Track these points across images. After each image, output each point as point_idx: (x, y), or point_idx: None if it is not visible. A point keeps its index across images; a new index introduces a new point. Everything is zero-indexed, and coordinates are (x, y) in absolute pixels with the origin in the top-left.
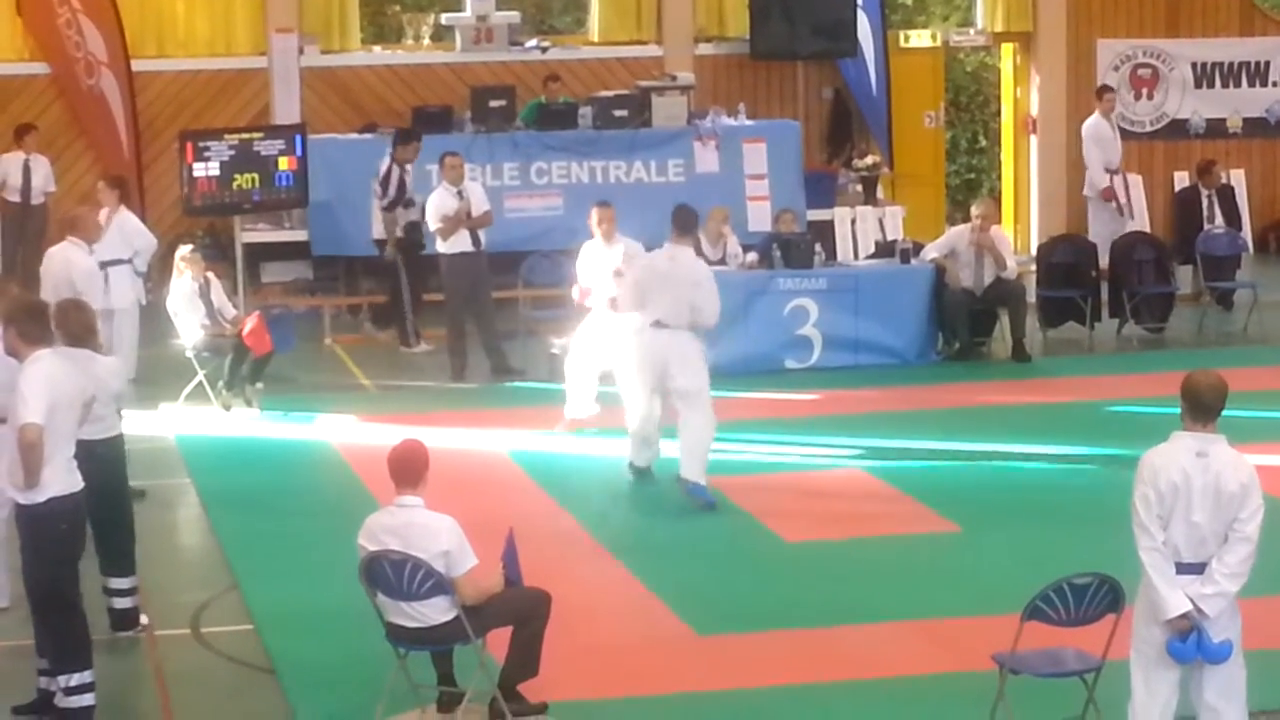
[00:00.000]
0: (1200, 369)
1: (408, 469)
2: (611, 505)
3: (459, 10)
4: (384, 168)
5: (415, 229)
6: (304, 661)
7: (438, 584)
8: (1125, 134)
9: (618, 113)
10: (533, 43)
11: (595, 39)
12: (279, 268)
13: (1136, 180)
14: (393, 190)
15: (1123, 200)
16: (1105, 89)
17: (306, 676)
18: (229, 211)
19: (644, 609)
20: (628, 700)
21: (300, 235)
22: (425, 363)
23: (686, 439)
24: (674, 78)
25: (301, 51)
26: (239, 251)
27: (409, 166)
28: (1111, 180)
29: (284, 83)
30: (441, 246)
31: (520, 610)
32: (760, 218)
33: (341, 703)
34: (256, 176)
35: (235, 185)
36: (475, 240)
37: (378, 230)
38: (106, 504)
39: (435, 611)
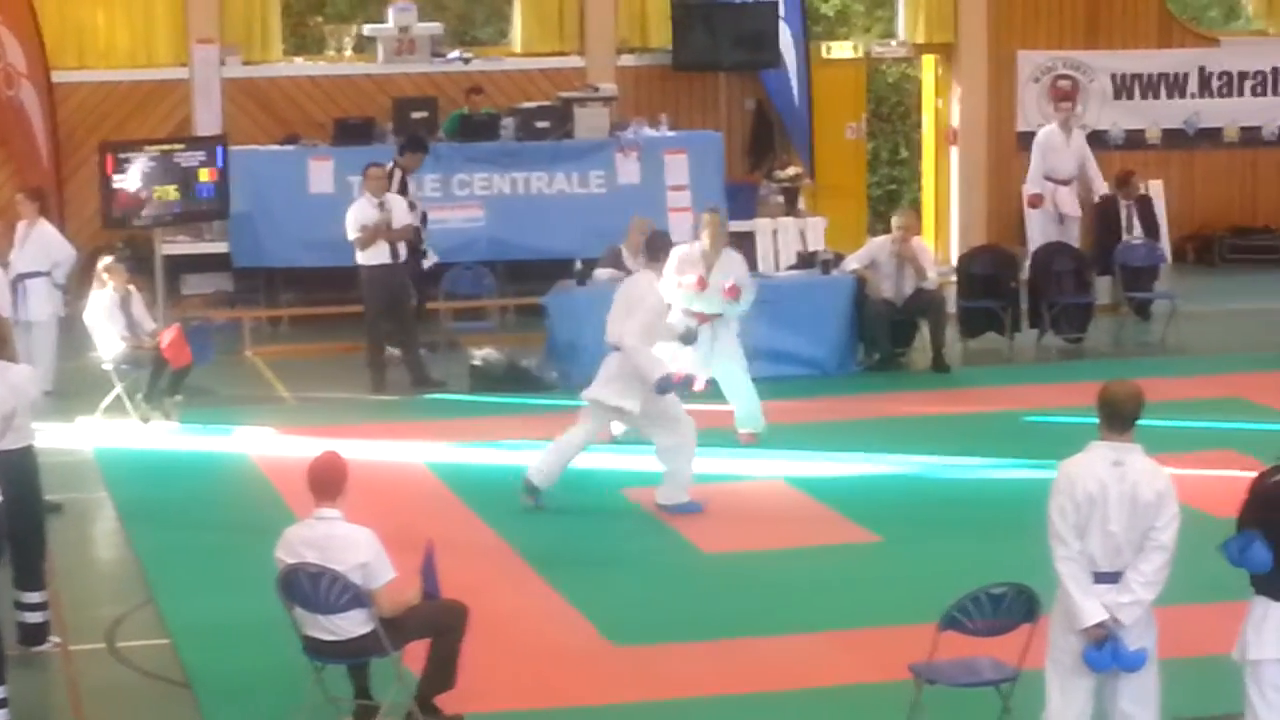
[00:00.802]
0: (1116, 379)
1: (326, 481)
2: (530, 517)
3: (381, 22)
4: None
5: (416, 235)
6: (220, 675)
7: (355, 596)
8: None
9: (540, 124)
10: (455, 54)
11: (518, 50)
12: (199, 280)
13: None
14: None
15: (1063, 210)
16: (1061, 98)
17: (223, 690)
18: (149, 224)
19: (562, 620)
20: (545, 712)
21: (221, 247)
22: (344, 375)
23: (663, 464)
24: (596, 89)
25: (223, 62)
26: (159, 264)
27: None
28: (1056, 190)
29: (205, 94)
30: (360, 258)
31: (438, 622)
32: (682, 229)
33: (257, 716)
34: (177, 188)
35: (155, 197)
36: (394, 252)
37: None
38: (19, 515)
39: (353, 624)
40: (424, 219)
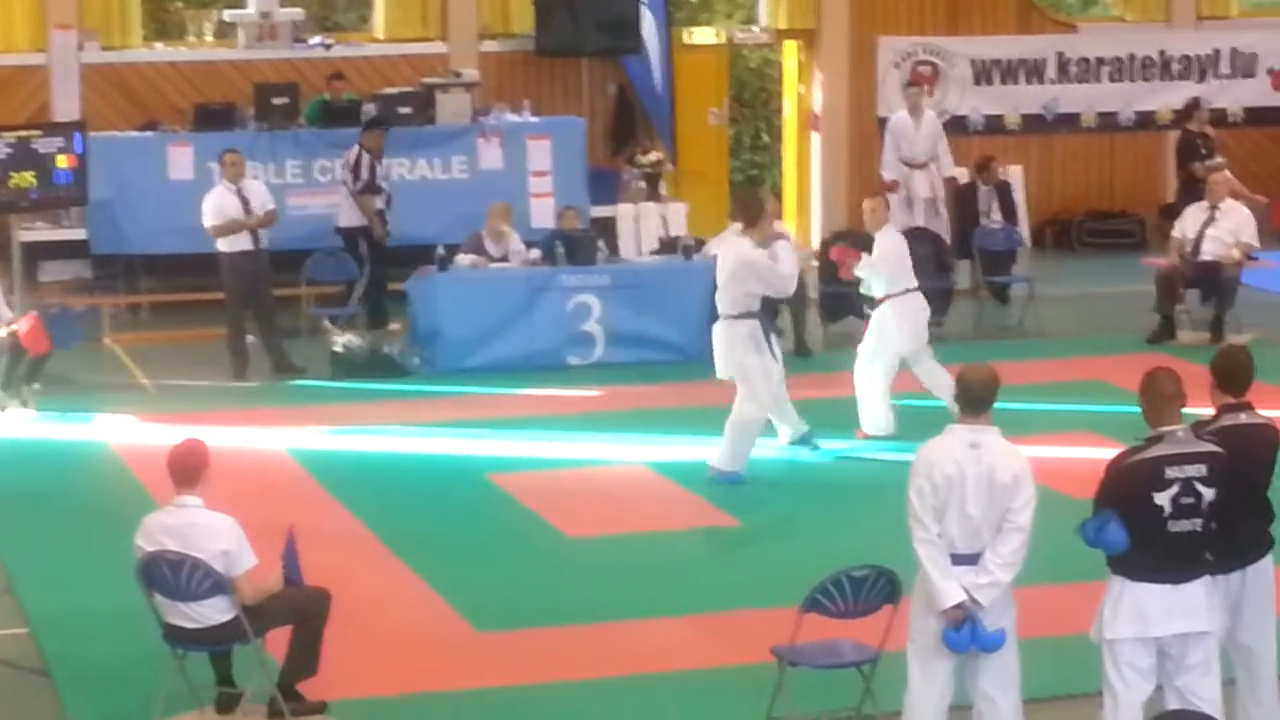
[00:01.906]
0: (974, 363)
1: (186, 468)
2: (392, 503)
3: (242, 7)
4: (353, 156)
5: (382, 216)
6: (81, 664)
7: (216, 584)
8: None
9: (402, 110)
10: (316, 40)
11: (380, 36)
12: (57, 266)
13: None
14: (365, 175)
15: (918, 194)
16: (908, 84)
17: (83, 679)
18: (5, 210)
19: (424, 606)
20: (407, 697)
21: (79, 234)
22: (205, 361)
23: (728, 430)
24: (458, 74)
25: (81, 48)
26: (15, 250)
27: (378, 153)
28: (911, 174)
29: (63, 79)
30: (221, 245)
31: (300, 609)
32: (544, 214)
33: (118, 705)
34: (34, 174)
35: (12, 183)
36: (255, 238)
37: (346, 218)
38: None
39: (214, 611)
40: (388, 203)
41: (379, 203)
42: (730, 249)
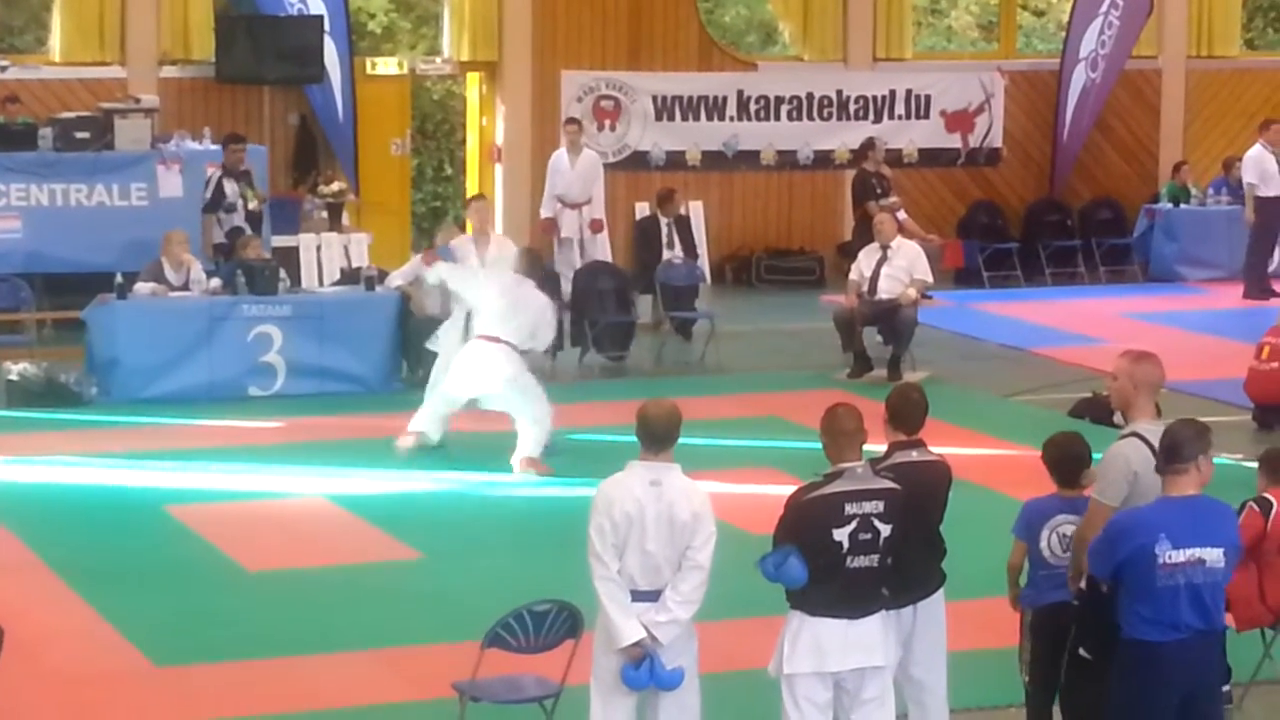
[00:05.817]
0: (653, 398)
1: None
2: (68, 534)
3: None
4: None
5: (239, 233)
6: None
7: None
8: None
9: (79, 135)
10: None
11: (57, 59)
12: None
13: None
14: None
15: (564, 234)
16: (566, 121)
17: None
18: None
19: (100, 640)
20: None
21: None
22: None
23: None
24: (137, 100)
25: None
26: None
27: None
28: (562, 212)
29: None
30: None
31: None
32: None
33: None
34: None
35: None
36: None
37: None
38: None
39: None
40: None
41: (235, 220)
42: None
